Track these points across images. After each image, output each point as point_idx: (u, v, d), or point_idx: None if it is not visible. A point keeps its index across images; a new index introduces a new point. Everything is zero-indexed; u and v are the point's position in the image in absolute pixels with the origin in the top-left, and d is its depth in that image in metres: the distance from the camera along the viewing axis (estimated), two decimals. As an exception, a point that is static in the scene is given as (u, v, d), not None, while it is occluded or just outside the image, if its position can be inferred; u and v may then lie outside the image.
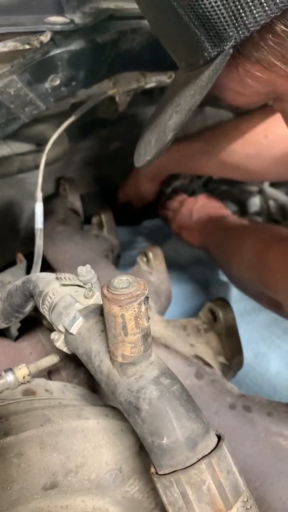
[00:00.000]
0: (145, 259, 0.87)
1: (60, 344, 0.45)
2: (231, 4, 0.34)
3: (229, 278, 1.00)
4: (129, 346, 0.36)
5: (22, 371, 0.50)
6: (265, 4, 0.33)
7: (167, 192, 1.21)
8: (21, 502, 0.40)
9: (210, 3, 0.34)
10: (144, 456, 0.43)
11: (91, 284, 0.48)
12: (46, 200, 0.79)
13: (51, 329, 0.55)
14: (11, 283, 0.55)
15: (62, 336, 0.45)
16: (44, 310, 0.47)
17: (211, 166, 1.00)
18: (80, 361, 0.43)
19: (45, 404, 0.49)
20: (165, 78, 0.80)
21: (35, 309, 0.53)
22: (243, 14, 0.34)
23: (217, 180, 1.34)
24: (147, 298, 0.35)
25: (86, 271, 0.48)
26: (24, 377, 0.50)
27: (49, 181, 1.10)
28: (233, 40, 0.36)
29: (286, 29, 0.34)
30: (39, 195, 0.72)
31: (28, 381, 0.51)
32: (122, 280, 0.35)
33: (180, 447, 0.34)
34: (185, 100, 0.43)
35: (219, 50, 0.37)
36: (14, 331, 0.66)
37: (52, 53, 0.57)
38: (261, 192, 1.31)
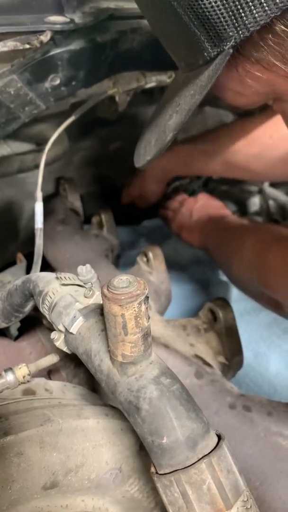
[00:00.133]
0: (145, 259, 0.87)
1: (60, 343, 0.45)
2: (231, 4, 0.34)
3: (229, 278, 1.00)
4: (129, 345, 0.36)
5: (22, 370, 0.50)
6: (265, 4, 0.33)
7: (167, 192, 1.21)
8: (21, 502, 0.40)
9: (210, 3, 0.34)
10: (144, 455, 0.43)
11: (91, 283, 0.47)
12: (46, 200, 0.79)
13: (51, 328, 0.55)
14: (11, 282, 0.55)
15: (62, 336, 0.45)
16: (44, 309, 0.47)
17: (216, 167, 1.00)
18: (80, 360, 0.43)
19: (45, 403, 0.49)
20: (165, 78, 0.80)
21: (35, 308, 0.53)
22: (243, 14, 0.34)
23: (217, 180, 1.34)
24: (147, 297, 0.35)
25: (86, 271, 0.48)
26: (24, 377, 0.50)
27: (49, 181, 1.10)
28: (233, 40, 0.36)
29: (286, 29, 0.34)
30: (39, 194, 0.72)
31: (28, 381, 0.51)
32: (122, 280, 0.35)
33: (180, 446, 0.34)
34: (185, 100, 0.43)
35: (219, 50, 0.37)
36: (14, 331, 0.66)
37: (52, 53, 0.57)
38: (261, 192, 1.32)
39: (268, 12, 0.33)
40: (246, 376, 0.92)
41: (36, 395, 0.51)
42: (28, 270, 0.72)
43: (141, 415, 0.35)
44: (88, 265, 0.48)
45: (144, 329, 0.36)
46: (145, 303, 0.35)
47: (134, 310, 0.34)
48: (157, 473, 0.35)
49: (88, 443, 0.43)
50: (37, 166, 0.86)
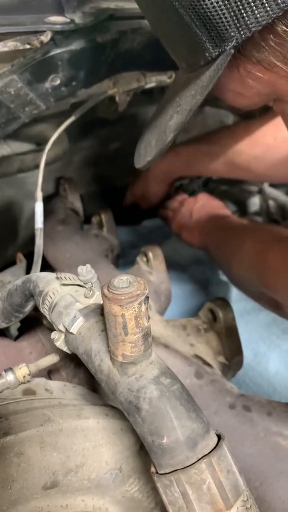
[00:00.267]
0: (145, 258, 0.87)
1: (60, 343, 0.45)
2: (233, 4, 0.34)
3: (229, 278, 1.00)
4: (129, 345, 0.36)
5: (22, 370, 0.50)
6: (266, 5, 0.33)
7: (171, 193, 1.21)
8: (21, 502, 0.40)
9: (211, 3, 0.34)
10: (144, 455, 0.43)
11: (91, 283, 0.48)
12: (46, 200, 0.80)
13: (51, 328, 0.55)
14: (11, 282, 0.55)
15: (62, 336, 0.45)
16: (44, 309, 0.47)
17: (219, 168, 1.00)
18: (80, 360, 0.43)
19: (45, 403, 0.49)
20: (165, 78, 0.81)
21: (35, 308, 0.53)
22: (244, 15, 0.34)
23: (217, 180, 1.34)
24: (147, 297, 0.35)
25: (86, 271, 0.48)
26: (24, 377, 0.50)
27: (49, 181, 1.10)
28: (234, 41, 0.36)
29: (287, 29, 0.34)
30: (39, 194, 0.72)
31: (28, 381, 0.51)
32: (122, 280, 0.35)
33: (180, 446, 0.34)
34: (185, 100, 0.43)
35: (220, 50, 0.37)
36: (14, 331, 0.66)
37: (52, 53, 0.58)
38: (260, 192, 1.32)
39: (270, 12, 0.33)
40: (246, 376, 0.92)
41: (36, 395, 0.52)
42: (28, 270, 0.72)
43: (141, 415, 0.35)
44: (88, 265, 0.48)
45: (144, 329, 0.36)
46: (145, 303, 0.35)
47: (134, 310, 0.34)
48: (157, 473, 0.35)
49: (88, 443, 0.43)
50: (37, 166, 0.86)
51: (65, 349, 0.46)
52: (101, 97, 0.78)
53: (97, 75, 0.65)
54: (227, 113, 1.30)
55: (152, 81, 0.80)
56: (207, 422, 0.36)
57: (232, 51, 0.37)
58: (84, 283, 0.47)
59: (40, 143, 0.91)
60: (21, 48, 0.54)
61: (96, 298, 0.46)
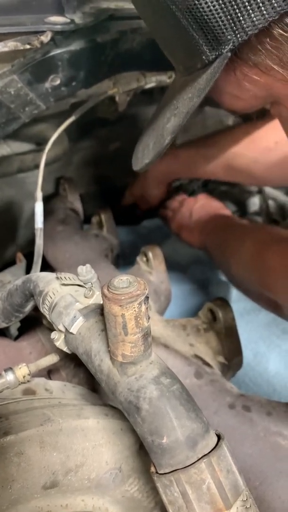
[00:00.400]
0: (144, 258, 0.87)
1: (60, 343, 0.45)
2: (229, 7, 0.34)
3: (228, 278, 1.00)
4: (129, 345, 0.36)
5: (22, 370, 0.50)
6: (263, 8, 0.33)
7: (170, 193, 1.21)
8: (21, 501, 0.40)
9: (208, 6, 0.35)
10: (144, 455, 0.43)
11: (91, 283, 0.48)
12: (46, 200, 0.80)
13: (51, 328, 0.55)
14: (11, 282, 0.55)
15: (62, 336, 0.45)
16: (44, 309, 0.47)
17: (218, 171, 1.00)
18: (80, 360, 0.43)
19: (45, 403, 0.49)
20: (165, 78, 0.81)
21: (35, 308, 0.53)
22: (241, 18, 0.34)
23: (216, 180, 1.34)
24: (147, 297, 0.35)
25: (86, 271, 0.48)
26: (24, 377, 0.50)
27: (49, 181, 1.10)
28: (231, 44, 0.36)
29: (283, 32, 0.35)
30: (39, 194, 0.72)
31: (28, 381, 0.51)
32: (122, 280, 0.35)
33: (180, 446, 0.34)
34: (183, 103, 0.43)
35: (217, 53, 0.37)
36: (14, 331, 0.66)
37: (52, 53, 0.58)
38: (260, 192, 1.32)
39: (266, 16, 0.33)
40: (246, 376, 0.93)
41: (36, 395, 0.52)
42: (28, 270, 0.72)
43: (141, 415, 0.35)
44: (88, 265, 0.48)
45: (144, 329, 0.36)
46: (145, 303, 0.35)
47: (134, 310, 0.34)
48: (157, 472, 0.35)
49: (88, 443, 0.43)
50: (37, 166, 0.86)
51: (65, 349, 0.46)
52: (101, 97, 0.78)
53: (97, 75, 0.65)
54: (227, 113, 1.30)
55: (152, 81, 0.80)
56: (207, 422, 0.36)
57: (229, 54, 0.37)
58: (84, 283, 0.47)
59: (40, 143, 0.91)
60: (21, 48, 0.55)
61: (96, 298, 0.46)
